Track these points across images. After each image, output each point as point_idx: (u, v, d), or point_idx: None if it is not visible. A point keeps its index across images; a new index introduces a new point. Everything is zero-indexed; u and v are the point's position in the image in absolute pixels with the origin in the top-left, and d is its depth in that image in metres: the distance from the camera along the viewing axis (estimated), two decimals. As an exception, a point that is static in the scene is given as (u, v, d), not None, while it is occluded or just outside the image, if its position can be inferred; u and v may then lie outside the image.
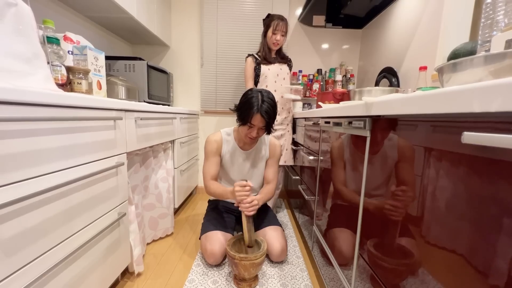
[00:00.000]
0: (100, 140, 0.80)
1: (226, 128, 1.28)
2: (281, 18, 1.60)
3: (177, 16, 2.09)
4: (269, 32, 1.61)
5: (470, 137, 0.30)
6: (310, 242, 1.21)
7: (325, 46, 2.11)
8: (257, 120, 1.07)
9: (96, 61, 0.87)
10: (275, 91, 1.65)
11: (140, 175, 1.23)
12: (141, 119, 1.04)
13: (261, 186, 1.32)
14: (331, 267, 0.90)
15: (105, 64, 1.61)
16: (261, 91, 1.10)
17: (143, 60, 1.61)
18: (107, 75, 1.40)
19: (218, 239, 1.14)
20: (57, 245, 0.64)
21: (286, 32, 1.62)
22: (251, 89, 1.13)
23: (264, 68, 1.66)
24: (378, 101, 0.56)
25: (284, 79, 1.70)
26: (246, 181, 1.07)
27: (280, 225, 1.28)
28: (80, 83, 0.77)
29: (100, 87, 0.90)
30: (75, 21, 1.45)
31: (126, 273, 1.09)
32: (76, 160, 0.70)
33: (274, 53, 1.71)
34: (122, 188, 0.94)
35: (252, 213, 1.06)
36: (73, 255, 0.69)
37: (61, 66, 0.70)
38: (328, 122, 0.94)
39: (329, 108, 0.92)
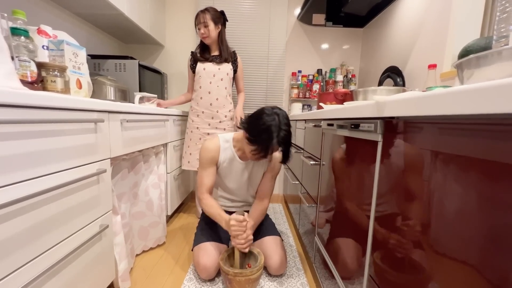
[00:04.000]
0: (78, 145, 0.71)
1: (225, 134, 1.18)
2: (202, 10, 1.49)
3: (172, 14, 2.02)
4: (197, 30, 1.53)
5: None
6: (312, 252, 1.13)
7: (325, 45, 2.04)
8: (275, 150, 0.96)
9: (75, 58, 0.79)
10: (209, 93, 1.55)
11: (129, 182, 1.14)
12: (127, 121, 0.95)
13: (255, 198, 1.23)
14: (334, 280, 0.82)
15: (94, 63, 1.54)
16: (277, 113, 0.95)
17: (135, 59, 1.53)
18: (95, 74, 1.32)
19: (211, 252, 1.05)
20: (25, 265, 0.56)
21: (211, 22, 1.47)
22: (265, 109, 0.97)
23: (199, 66, 1.55)
24: (392, 100, 0.48)
25: (222, 79, 1.56)
26: (244, 214, 0.98)
27: (279, 235, 1.20)
28: (55, 81, 0.69)
29: (80, 86, 0.82)
30: (63, 18, 1.37)
31: (111, 289, 1.00)
32: (49, 168, 0.62)
33: (214, 49, 1.58)
34: (105, 197, 0.86)
35: (246, 250, 0.97)
36: (46, 274, 0.61)
37: (30, 62, 0.62)
38: (331, 125, 0.86)
39: (332, 109, 0.84)
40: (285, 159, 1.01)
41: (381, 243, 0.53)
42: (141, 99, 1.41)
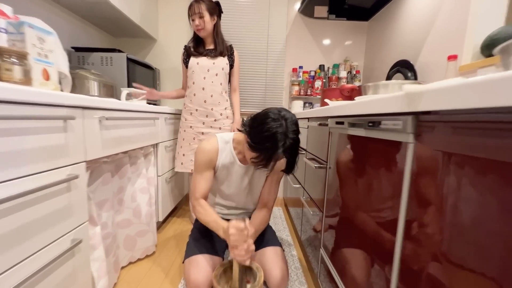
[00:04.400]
0: (42, 147, 0.60)
1: (224, 134, 1.05)
2: (196, 0, 1.36)
3: (165, 6, 1.89)
4: (191, 21, 1.40)
5: None
6: (316, 264, 1.02)
7: (327, 39, 1.93)
8: (279, 159, 0.84)
9: (41, 44, 0.67)
10: (203, 89, 1.43)
11: (112, 187, 1.02)
12: (107, 118, 0.83)
13: (257, 205, 1.12)
14: None
15: (78, 57, 1.42)
16: (284, 117, 0.82)
17: (122, 52, 1.41)
18: (77, 68, 1.20)
19: (204, 266, 0.93)
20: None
21: (207, 12, 1.35)
22: (270, 112, 0.83)
23: (192, 60, 1.43)
24: (431, 89, 0.36)
25: (216, 75, 1.43)
26: (245, 220, 0.85)
27: (280, 245, 1.08)
28: (10, 69, 0.57)
29: (47, 77, 0.70)
30: (46, 8, 1.25)
31: (90, 309, 0.88)
32: (5, 174, 0.50)
33: (209, 42, 1.46)
34: (79, 207, 0.74)
35: (247, 262, 0.85)
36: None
37: (-26, 44, 0.50)
38: (341, 123, 0.75)
39: (342, 105, 0.73)
40: (289, 169, 0.89)
41: (412, 269, 0.42)
42: (129, 96, 1.29)
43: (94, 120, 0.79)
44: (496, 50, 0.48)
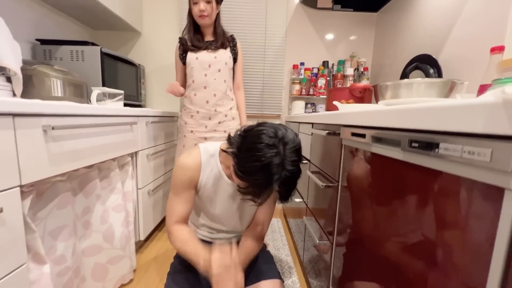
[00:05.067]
0: None
1: (207, 144, 0.86)
2: None
3: (150, -5, 1.69)
4: (191, 5, 1.18)
5: None
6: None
7: (332, 33, 1.73)
8: (271, 191, 0.66)
9: None
10: (204, 87, 1.24)
11: (74, 209, 0.84)
12: (53, 128, 0.64)
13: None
14: None
15: (44, 50, 1.22)
16: (283, 140, 0.63)
17: (96, 45, 1.21)
18: (38, 63, 1.00)
19: (184, 311, 0.75)
20: None
21: None
22: (264, 133, 0.63)
23: (190, 56, 1.23)
24: None
25: (219, 70, 1.24)
26: (231, 245, 0.67)
27: (280, 276, 0.90)
28: None
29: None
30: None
31: None
32: None
33: (209, 33, 1.26)
34: (11, 248, 0.55)
35: None
36: None
37: None
38: (361, 135, 0.56)
39: (364, 112, 0.54)
40: (283, 200, 0.71)
41: None
42: (102, 96, 1.10)
43: (34, 130, 0.60)
44: None
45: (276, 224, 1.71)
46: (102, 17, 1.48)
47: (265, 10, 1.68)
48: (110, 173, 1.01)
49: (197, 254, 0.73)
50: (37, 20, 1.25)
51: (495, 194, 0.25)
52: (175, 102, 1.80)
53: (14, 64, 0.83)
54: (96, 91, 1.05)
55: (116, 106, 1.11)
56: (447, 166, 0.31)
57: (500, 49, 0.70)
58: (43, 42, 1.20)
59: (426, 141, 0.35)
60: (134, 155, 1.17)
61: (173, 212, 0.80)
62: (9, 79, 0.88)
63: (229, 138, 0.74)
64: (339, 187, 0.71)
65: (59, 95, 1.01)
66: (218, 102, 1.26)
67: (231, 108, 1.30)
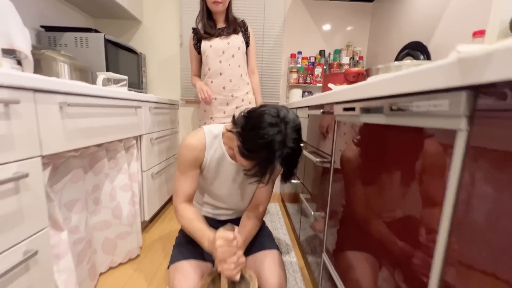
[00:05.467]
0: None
1: (211, 126, 0.91)
2: None
3: (150, -17, 1.71)
4: None
5: None
6: (316, 267, 0.92)
7: (328, 22, 1.78)
8: (274, 167, 0.71)
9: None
10: (220, 74, 1.27)
11: (85, 185, 0.90)
12: (69, 104, 0.69)
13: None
14: None
15: (49, 37, 1.25)
16: (284, 120, 0.67)
17: (99, 32, 1.25)
18: (46, 48, 1.04)
19: (189, 274, 0.81)
20: None
21: None
22: (266, 113, 0.68)
23: (204, 44, 1.26)
24: (503, 48, 0.24)
25: (233, 56, 1.27)
26: (234, 229, 0.73)
27: (278, 248, 0.97)
28: None
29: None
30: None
31: (59, 326, 0.76)
32: None
33: (221, 20, 1.29)
34: (33, 212, 0.61)
35: (237, 277, 0.73)
36: None
37: None
38: (351, 109, 0.62)
39: (353, 87, 0.60)
40: (285, 179, 0.77)
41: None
42: (108, 81, 1.14)
43: (52, 106, 0.65)
44: None
45: (274, 208, 1.78)
46: (103, 5, 1.50)
47: (263, 0, 1.72)
48: (117, 154, 1.06)
49: (202, 232, 0.79)
50: (41, 7, 1.28)
51: (452, 135, 0.32)
52: (176, 91, 1.84)
53: (26, 48, 0.87)
54: (101, 76, 1.09)
55: (120, 90, 1.16)
56: (420, 121, 0.37)
57: (481, 33, 0.76)
58: (48, 28, 1.24)
59: (402, 103, 0.41)
60: (138, 138, 1.22)
61: (179, 190, 0.86)
62: (19, 63, 0.92)
63: (233, 119, 0.79)
64: (332, 161, 0.77)
65: (66, 79, 1.05)
66: (234, 87, 1.30)
67: (247, 93, 1.34)
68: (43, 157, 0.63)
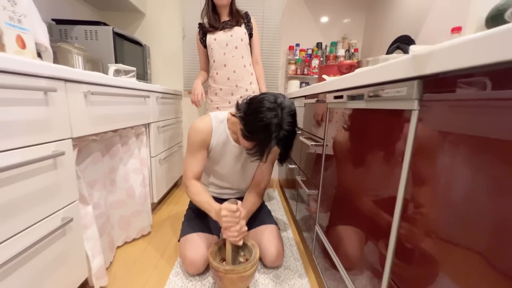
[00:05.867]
0: (22, 119, 0.56)
1: (217, 113, 1.02)
2: None
3: (153, -24, 1.76)
4: None
5: None
6: (310, 241, 1.03)
7: (325, 16, 1.84)
8: (272, 147, 0.81)
9: (12, 6, 0.60)
10: (224, 65, 1.34)
11: (103, 167, 0.99)
12: (92, 93, 0.78)
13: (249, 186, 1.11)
14: (335, 271, 0.72)
15: (60, 30, 1.32)
16: (281, 105, 0.77)
17: (108, 25, 1.32)
18: (59, 41, 1.12)
19: (199, 244, 0.93)
20: None
21: None
22: (265, 99, 0.79)
23: (209, 38, 1.33)
24: (441, 48, 0.33)
25: (236, 47, 1.33)
26: (237, 203, 0.85)
27: (276, 223, 1.09)
28: (-22, 32, 0.51)
29: (23, 45, 0.64)
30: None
31: (86, 287, 0.88)
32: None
33: (225, 13, 1.34)
34: (67, 185, 0.71)
35: (240, 242, 0.85)
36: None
37: None
38: (340, 97, 0.72)
39: (341, 78, 0.69)
40: (282, 160, 0.87)
41: (407, 240, 0.41)
42: (117, 72, 1.22)
43: (78, 94, 0.74)
44: (508, 12, 0.45)
45: (273, 194, 1.90)
46: (108, -2, 1.56)
47: (263, -7, 1.77)
48: (129, 140, 1.16)
49: (210, 205, 0.90)
50: (51, 1, 1.34)
51: (408, 113, 0.42)
52: (179, 82, 1.91)
53: (45, 41, 0.95)
54: (113, 67, 1.17)
55: (130, 80, 1.24)
56: (389, 103, 0.47)
57: (459, 29, 0.85)
58: (59, 22, 1.30)
59: (376, 91, 0.51)
60: (147, 126, 1.31)
61: (189, 169, 0.97)
62: (39, 55, 1.00)
63: (237, 105, 0.89)
64: (324, 145, 0.87)
65: (81, 70, 1.13)
66: (238, 78, 1.36)
67: (251, 83, 1.40)
68: (73, 139, 0.73)
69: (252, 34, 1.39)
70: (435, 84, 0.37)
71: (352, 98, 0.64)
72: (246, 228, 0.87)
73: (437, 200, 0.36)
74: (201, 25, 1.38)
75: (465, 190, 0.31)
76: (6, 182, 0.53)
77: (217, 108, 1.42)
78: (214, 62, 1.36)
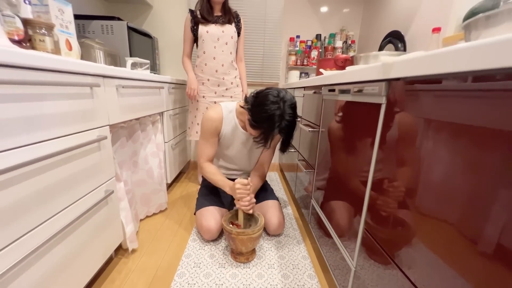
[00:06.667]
0: (74, 111, 0.69)
1: (227, 103, 1.15)
2: None
3: (159, -31, 1.82)
4: None
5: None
6: (307, 214, 1.21)
7: (324, 8, 1.93)
8: (275, 135, 0.96)
9: (61, 15, 0.72)
10: (214, 58, 1.45)
11: (128, 150, 1.14)
12: (123, 87, 0.92)
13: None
14: (327, 238, 0.89)
15: (78, 24, 1.42)
16: (283, 99, 0.91)
17: (122, 20, 1.42)
18: (80, 36, 1.23)
19: (213, 215, 1.10)
20: (34, 229, 0.58)
21: None
22: (270, 94, 0.92)
23: (202, 29, 1.41)
24: (400, 60, 0.47)
25: (226, 43, 1.44)
26: (248, 178, 1.01)
27: (277, 199, 1.26)
28: (43, 40, 0.64)
29: (70, 47, 0.76)
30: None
31: (120, 249, 1.06)
32: (47, 133, 0.60)
33: (218, 9, 1.44)
34: (107, 164, 0.86)
35: (251, 211, 1.01)
36: (59, 235, 0.64)
37: (14, 17, 0.57)
38: (333, 90, 0.86)
39: (334, 74, 0.83)
40: (284, 147, 1.03)
41: (376, 203, 0.57)
42: (134, 65, 1.34)
43: (112, 88, 0.88)
44: (462, 25, 0.58)
45: (274, 176, 2.07)
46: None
47: (265, -15, 1.84)
48: (147, 127, 1.30)
49: (224, 182, 1.07)
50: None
51: (378, 106, 0.56)
52: (184, 71, 2.02)
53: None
54: (130, 60, 1.29)
55: (147, 73, 1.36)
56: (367, 98, 0.62)
57: (438, 30, 0.97)
58: (77, 17, 1.39)
59: (359, 87, 0.65)
60: (161, 114, 1.45)
61: (203, 153, 1.12)
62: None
63: (245, 98, 1.03)
64: (320, 130, 1.02)
65: (102, 63, 1.25)
66: (225, 71, 1.49)
67: (235, 77, 1.54)
68: (109, 126, 0.87)
69: (240, 33, 1.50)
70: (396, 85, 0.51)
71: (342, 91, 0.78)
72: (254, 200, 1.04)
73: (398, 168, 0.51)
74: (192, 13, 1.44)
75: (416, 159, 0.47)
76: (66, 161, 0.67)
77: (203, 96, 1.54)
78: (204, 53, 1.45)
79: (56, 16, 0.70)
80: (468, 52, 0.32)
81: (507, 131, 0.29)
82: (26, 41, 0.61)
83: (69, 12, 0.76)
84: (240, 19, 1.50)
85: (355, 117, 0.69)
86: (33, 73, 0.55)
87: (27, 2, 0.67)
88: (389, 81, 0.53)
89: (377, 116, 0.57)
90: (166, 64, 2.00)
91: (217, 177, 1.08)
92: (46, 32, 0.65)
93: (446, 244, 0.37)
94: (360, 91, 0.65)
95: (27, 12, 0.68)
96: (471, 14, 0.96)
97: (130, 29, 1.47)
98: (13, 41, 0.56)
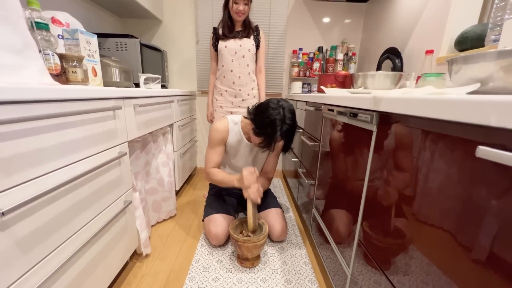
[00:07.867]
0: (100, 132, 0.78)
1: (233, 116, 1.25)
2: None
3: (168, -14, 1.92)
4: (230, 2, 1.43)
5: (486, 152, 0.30)
6: (309, 222, 1.28)
7: (326, 20, 2.00)
8: (278, 141, 1.04)
9: (89, 46, 0.81)
10: (231, 71, 1.53)
11: (141, 161, 1.23)
12: (140, 106, 1.00)
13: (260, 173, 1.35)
14: (327, 245, 0.96)
15: (95, 42, 1.52)
16: (282, 106, 1.01)
17: (135, 38, 1.51)
18: (100, 55, 1.32)
19: (220, 222, 1.18)
20: (68, 239, 0.66)
21: (250, 0, 1.43)
22: (270, 102, 1.03)
23: (221, 44, 1.51)
24: (387, 97, 0.55)
25: (243, 56, 1.52)
26: (254, 167, 1.09)
27: (280, 207, 1.33)
28: (75, 71, 0.73)
29: (95, 74, 0.85)
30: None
31: (135, 254, 1.14)
32: (79, 155, 0.69)
33: (239, 25, 1.53)
34: (126, 177, 0.95)
35: (259, 200, 1.08)
36: (85, 246, 0.72)
37: (53, 55, 0.66)
38: (332, 110, 0.93)
39: (333, 96, 0.90)
40: (285, 149, 1.10)
41: (370, 214, 0.65)
42: (146, 80, 1.44)
43: (130, 108, 0.97)
44: (446, 59, 0.66)
45: (278, 183, 2.15)
46: (129, 7, 1.73)
47: (269, 1, 1.93)
48: (158, 139, 1.39)
49: (230, 177, 1.15)
50: (85, 15, 1.53)
51: (370, 132, 0.64)
52: (192, 82, 2.12)
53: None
54: (143, 76, 1.38)
55: (157, 88, 1.45)
56: (361, 123, 0.69)
57: (431, 52, 1.04)
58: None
59: (354, 113, 0.72)
60: (171, 126, 1.54)
61: (210, 160, 1.21)
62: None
63: (248, 110, 1.12)
64: (320, 144, 1.09)
65: (117, 80, 1.35)
66: (242, 83, 1.57)
67: (252, 88, 1.61)
68: (128, 142, 0.96)
69: (259, 46, 1.57)
70: (384, 117, 0.59)
71: (340, 113, 0.85)
72: (262, 189, 1.10)
73: (387, 185, 0.59)
74: (215, 30, 1.54)
75: (403, 181, 0.54)
76: (93, 178, 0.76)
77: (221, 106, 1.62)
78: (222, 66, 1.55)
79: (85, 48, 0.79)
80: (430, 104, 0.39)
81: (457, 155, 0.36)
82: (61, 74, 0.70)
83: (94, 43, 0.85)
84: (259, 32, 1.56)
85: (351, 137, 0.77)
86: (69, 104, 0.63)
87: (60, 37, 0.76)
88: (379, 112, 0.60)
89: (369, 141, 0.65)
90: (174, 75, 2.10)
91: (223, 175, 1.16)
92: (77, 64, 0.74)
93: (433, 256, 0.45)
94: (355, 115, 0.72)
95: (60, 46, 0.77)
96: (462, 37, 1.04)
97: (142, 45, 1.57)
98: (52, 75, 0.65)
